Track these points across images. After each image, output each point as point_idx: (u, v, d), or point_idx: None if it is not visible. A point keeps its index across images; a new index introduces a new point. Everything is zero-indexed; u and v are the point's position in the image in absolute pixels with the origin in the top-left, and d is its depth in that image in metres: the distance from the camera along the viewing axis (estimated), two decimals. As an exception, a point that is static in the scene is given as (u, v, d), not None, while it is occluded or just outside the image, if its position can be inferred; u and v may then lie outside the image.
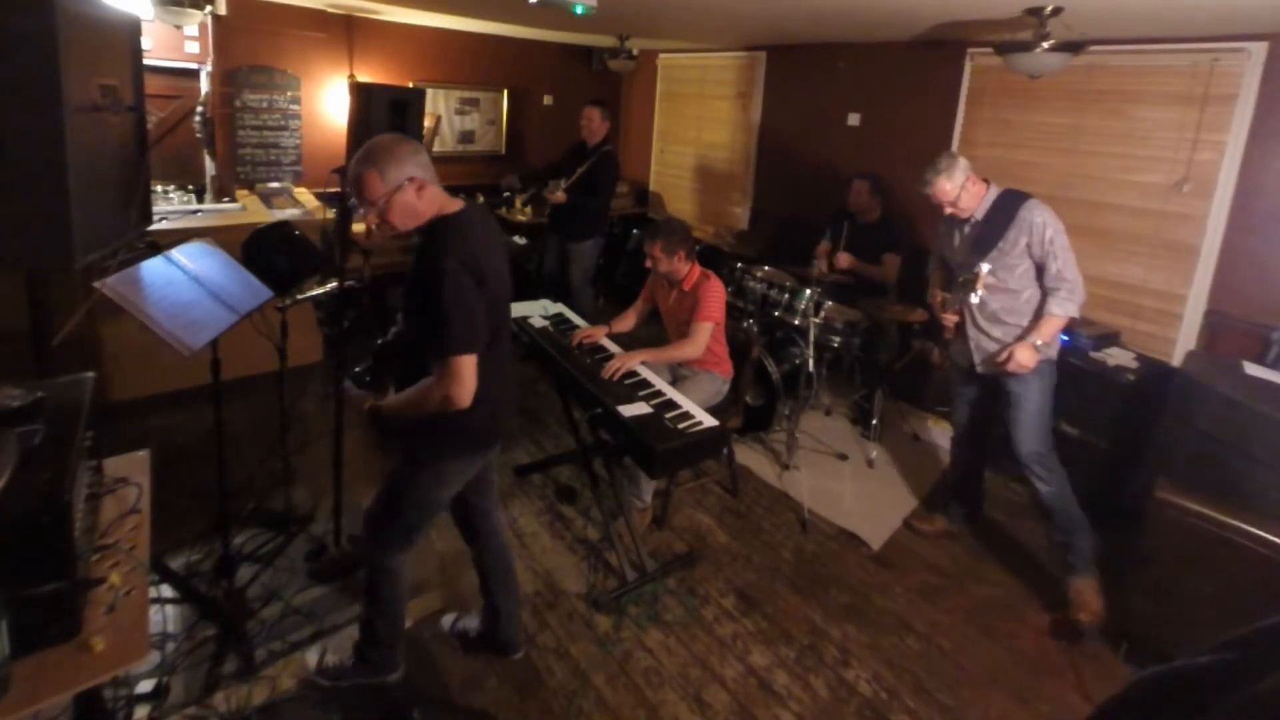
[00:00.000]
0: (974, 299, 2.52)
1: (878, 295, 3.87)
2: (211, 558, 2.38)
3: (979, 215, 2.53)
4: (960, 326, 2.68)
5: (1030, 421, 2.55)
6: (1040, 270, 2.47)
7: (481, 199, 5.35)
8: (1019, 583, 2.78)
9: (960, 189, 2.48)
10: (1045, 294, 2.48)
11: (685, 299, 2.90)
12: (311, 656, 2.04)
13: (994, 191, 2.53)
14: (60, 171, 1.34)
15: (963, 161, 2.50)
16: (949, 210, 2.55)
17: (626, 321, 3.07)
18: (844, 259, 3.88)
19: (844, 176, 4.20)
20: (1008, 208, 2.46)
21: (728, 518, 3.05)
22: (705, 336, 2.81)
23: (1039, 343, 2.45)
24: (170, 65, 3.97)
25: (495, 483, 2.11)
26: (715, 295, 2.83)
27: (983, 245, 2.51)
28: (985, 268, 2.48)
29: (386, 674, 2.01)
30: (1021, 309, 2.53)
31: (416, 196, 1.61)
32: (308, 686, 2.00)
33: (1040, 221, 2.40)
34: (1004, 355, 2.49)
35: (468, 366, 1.60)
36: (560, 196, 4.23)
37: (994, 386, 2.66)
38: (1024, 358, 2.44)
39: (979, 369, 2.65)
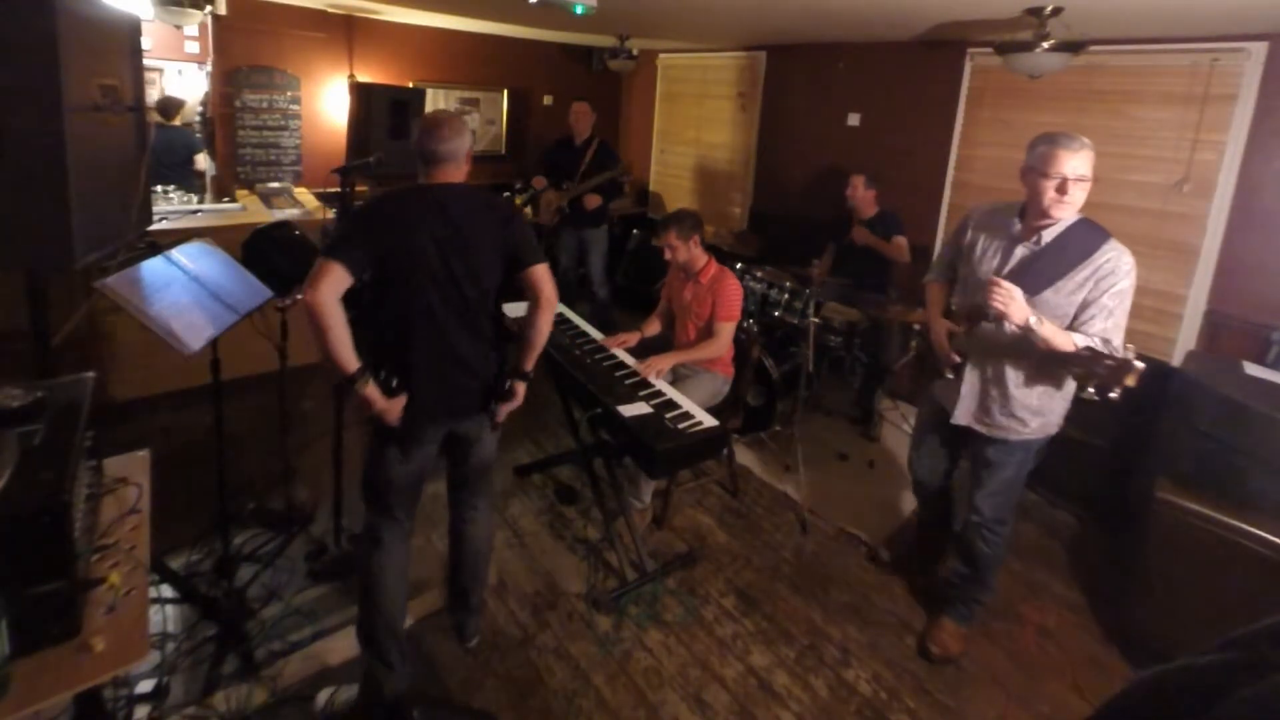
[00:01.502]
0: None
1: (878, 294, 3.87)
2: (211, 558, 2.38)
3: (1048, 237, 1.97)
4: (959, 366, 2.20)
5: (999, 490, 2.21)
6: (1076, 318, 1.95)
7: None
8: (1019, 583, 2.78)
9: (1084, 185, 1.89)
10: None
11: (702, 292, 2.91)
12: (322, 696, 1.98)
13: (1076, 214, 1.97)
14: (60, 172, 1.34)
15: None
16: (1051, 203, 1.89)
17: (654, 325, 3.14)
18: (860, 233, 3.87)
19: (844, 177, 4.20)
20: (1084, 240, 1.93)
21: (728, 518, 3.05)
22: (729, 336, 2.87)
23: (1034, 319, 1.83)
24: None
25: (473, 477, 2.10)
26: (735, 293, 2.86)
27: (1041, 276, 1.95)
28: (1044, 297, 1.95)
29: (384, 673, 1.95)
30: (1040, 363, 2.02)
31: None
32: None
33: (1124, 270, 1.88)
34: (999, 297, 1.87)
35: (323, 269, 1.68)
36: (598, 200, 4.48)
37: (965, 442, 2.30)
38: (1016, 312, 1.82)
39: (956, 419, 2.21)
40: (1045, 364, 2.00)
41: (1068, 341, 1.83)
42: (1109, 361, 1.65)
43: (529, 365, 1.99)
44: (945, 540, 2.70)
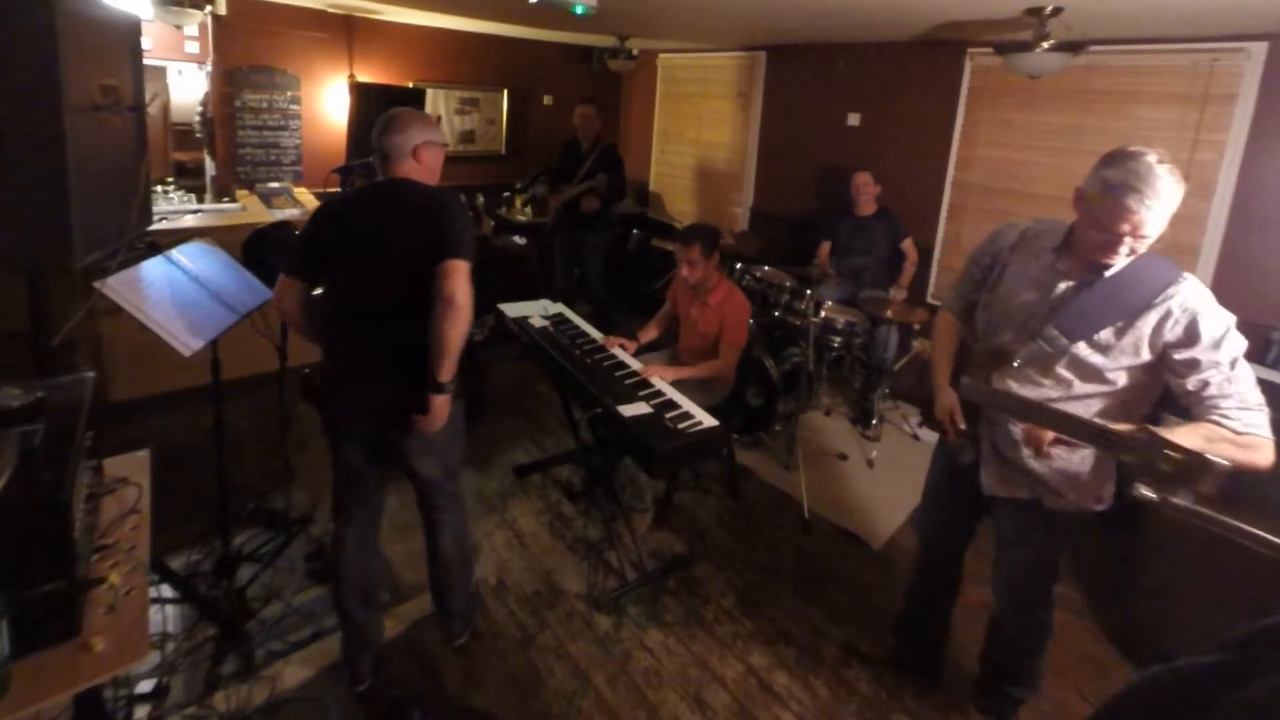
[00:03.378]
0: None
1: (879, 294, 3.87)
2: (211, 558, 2.38)
3: (1109, 271, 1.51)
4: (975, 421, 1.70)
5: (1018, 574, 1.82)
6: (1169, 387, 1.51)
7: (482, 199, 5.36)
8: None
9: (1147, 243, 1.47)
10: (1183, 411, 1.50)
11: (709, 313, 2.89)
12: None
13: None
14: (60, 171, 1.34)
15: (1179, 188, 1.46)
16: (1125, 240, 1.46)
17: (651, 331, 3.13)
18: (897, 297, 3.59)
19: (844, 177, 4.21)
20: (1149, 278, 1.51)
21: (728, 518, 3.05)
22: (734, 359, 2.85)
23: (1158, 433, 1.29)
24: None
25: (424, 490, 1.99)
26: (743, 316, 2.84)
27: (1093, 317, 1.51)
28: (1081, 349, 1.52)
29: (353, 685, 2.02)
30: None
31: None
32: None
33: (1219, 325, 1.45)
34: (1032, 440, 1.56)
35: (280, 285, 1.84)
36: (595, 203, 4.36)
37: (990, 507, 1.83)
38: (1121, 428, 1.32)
39: (986, 489, 1.76)
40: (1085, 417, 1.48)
41: (1207, 443, 1.33)
42: (1175, 454, 1.20)
43: (441, 376, 1.74)
44: (940, 619, 2.18)
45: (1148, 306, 1.48)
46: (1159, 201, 1.42)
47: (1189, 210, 3.22)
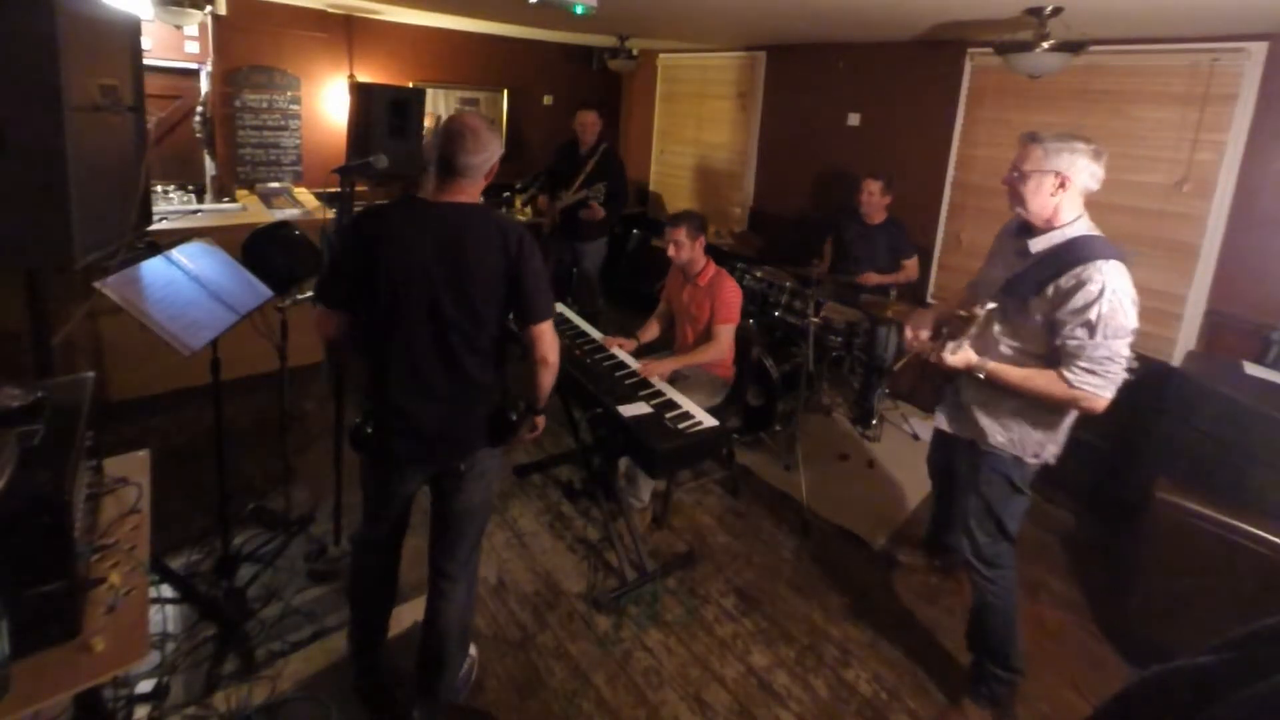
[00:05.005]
0: (949, 352, 1.87)
1: (879, 294, 3.87)
2: (211, 558, 2.38)
3: (1039, 246, 1.84)
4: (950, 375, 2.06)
5: (981, 512, 2.03)
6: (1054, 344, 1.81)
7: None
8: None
9: (1040, 174, 1.78)
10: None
11: (700, 294, 2.92)
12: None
13: (1078, 229, 1.80)
14: (60, 171, 1.34)
15: (1083, 160, 1.76)
16: (990, 307, 1.86)
17: (651, 330, 3.14)
18: (873, 278, 3.86)
19: (844, 176, 4.20)
20: (1073, 256, 1.76)
21: (728, 518, 3.05)
22: (729, 338, 2.87)
23: (984, 370, 1.84)
24: (170, 65, 3.96)
25: (451, 524, 1.85)
26: (733, 296, 2.86)
27: (1021, 286, 1.85)
28: (990, 306, 1.88)
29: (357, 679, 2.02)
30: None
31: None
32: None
33: (1094, 292, 1.69)
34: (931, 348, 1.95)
35: (318, 315, 1.72)
36: (599, 213, 4.25)
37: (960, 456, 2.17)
38: (954, 359, 1.86)
39: (938, 422, 2.17)
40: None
41: (1052, 386, 1.76)
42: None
43: (540, 403, 1.82)
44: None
45: (1058, 275, 1.76)
46: (1025, 140, 1.83)
47: (1189, 210, 3.22)
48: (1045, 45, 2.77)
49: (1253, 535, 2.16)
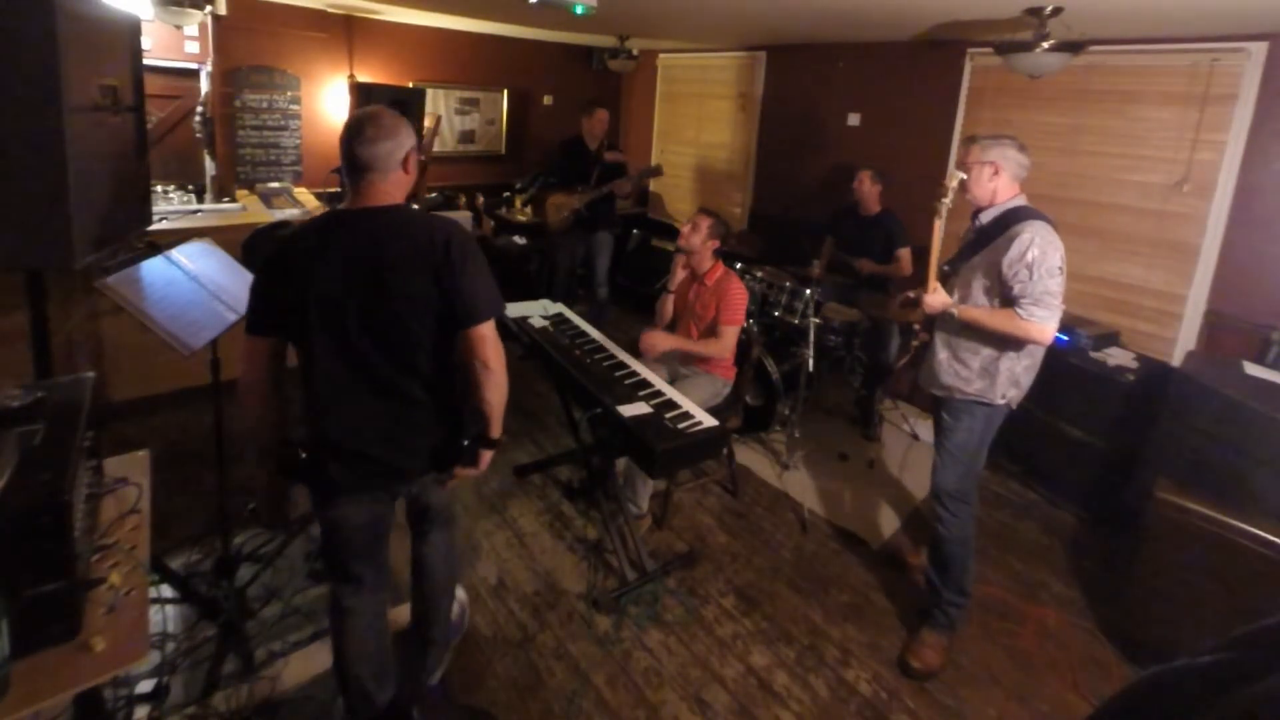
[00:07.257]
0: (928, 295, 2.24)
1: (878, 294, 3.87)
2: (211, 558, 2.38)
3: (985, 219, 2.23)
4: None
5: (951, 457, 2.30)
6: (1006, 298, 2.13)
7: (482, 199, 5.37)
8: (1018, 582, 2.78)
9: (979, 165, 2.18)
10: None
11: (706, 295, 2.93)
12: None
13: (1013, 204, 2.18)
14: (60, 171, 1.34)
15: (1011, 152, 2.17)
16: (960, 177, 2.24)
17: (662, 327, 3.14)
18: (868, 266, 3.90)
19: (844, 177, 4.20)
20: (1009, 219, 2.15)
21: (728, 518, 3.05)
22: (732, 339, 2.88)
23: (957, 309, 2.18)
24: (170, 65, 3.97)
25: (430, 516, 1.89)
26: (740, 297, 2.87)
27: (973, 248, 2.26)
28: (945, 268, 2.25)
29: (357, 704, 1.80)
30: (978, 334, 2.20)
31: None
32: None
33: (1027, 240, 2.04)
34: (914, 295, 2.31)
35: (246, 344, 1.55)
36: (627, 187, 4.53)
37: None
38: (931, 298, 2.22)
39: (918, 380, 2.45)
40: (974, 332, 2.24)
41: (1010, 322, 2.08)
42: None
43: (493, 433, 1.66)
44: None
45: (999, 235, 2.14)
46: (974, 142, 2.25)
47: (1189, 210, 3.22)
48: (1045, 45, 2.76)
49: (1253, 535, 2.16)
